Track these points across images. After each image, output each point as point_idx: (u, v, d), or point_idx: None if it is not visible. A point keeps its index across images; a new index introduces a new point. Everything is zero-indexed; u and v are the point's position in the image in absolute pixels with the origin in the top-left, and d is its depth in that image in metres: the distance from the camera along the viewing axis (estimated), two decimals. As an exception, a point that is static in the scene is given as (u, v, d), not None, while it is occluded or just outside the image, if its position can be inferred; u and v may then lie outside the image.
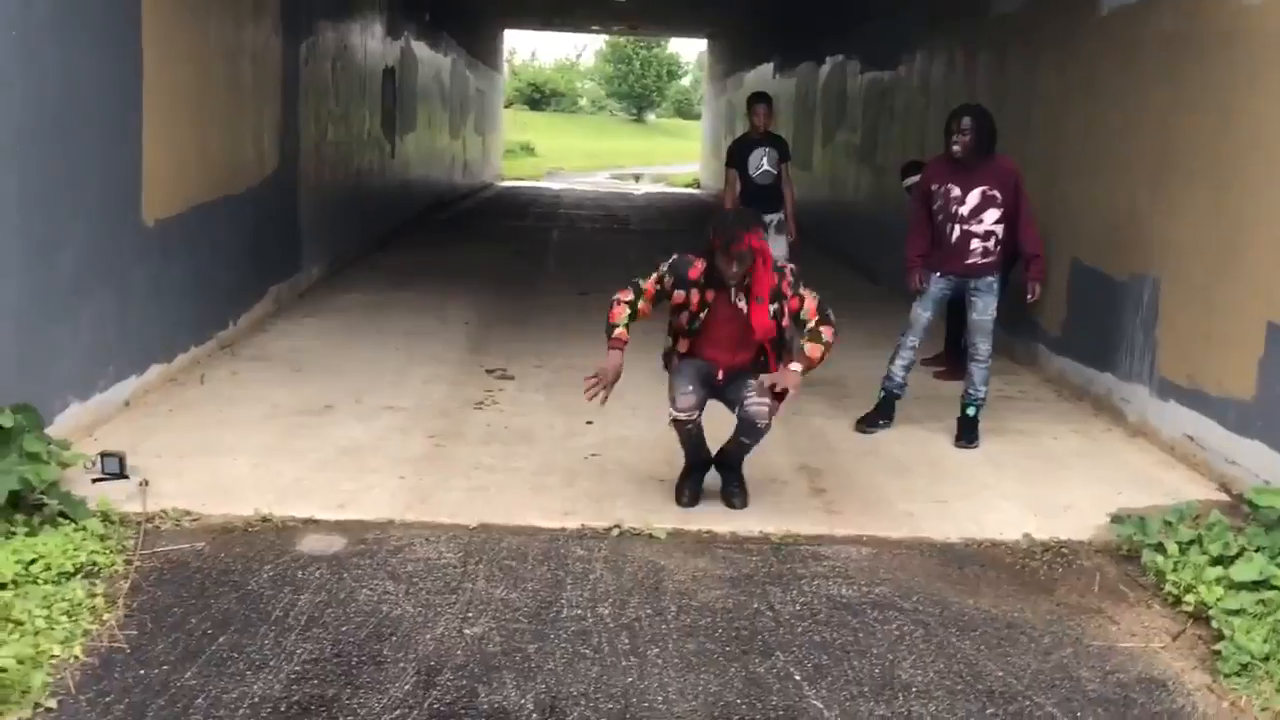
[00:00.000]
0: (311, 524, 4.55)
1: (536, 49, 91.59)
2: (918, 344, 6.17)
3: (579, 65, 71.58)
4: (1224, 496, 5.23)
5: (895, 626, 3.89)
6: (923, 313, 6.09)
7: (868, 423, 6.22)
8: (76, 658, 3.40)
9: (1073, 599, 4.20)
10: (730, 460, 5.01)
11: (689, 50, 64.93)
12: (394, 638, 3.62)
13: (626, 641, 3.67)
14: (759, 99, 8.41)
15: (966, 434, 6.02)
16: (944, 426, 6.33)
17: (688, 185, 33.14)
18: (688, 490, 4.99)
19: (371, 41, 12.70)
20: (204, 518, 4.56)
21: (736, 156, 8.31)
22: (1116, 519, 4.81)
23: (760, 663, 3.58)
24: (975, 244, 5.90)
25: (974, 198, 5.87)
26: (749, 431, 4.80)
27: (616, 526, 4.63)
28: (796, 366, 4.73)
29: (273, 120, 8.64)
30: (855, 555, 4.50)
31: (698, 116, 43.03)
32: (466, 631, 3.68)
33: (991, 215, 5.87)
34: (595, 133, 57.99)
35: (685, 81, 68.66)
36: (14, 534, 4.09)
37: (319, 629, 3.66)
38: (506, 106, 41.55)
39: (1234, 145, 5.44)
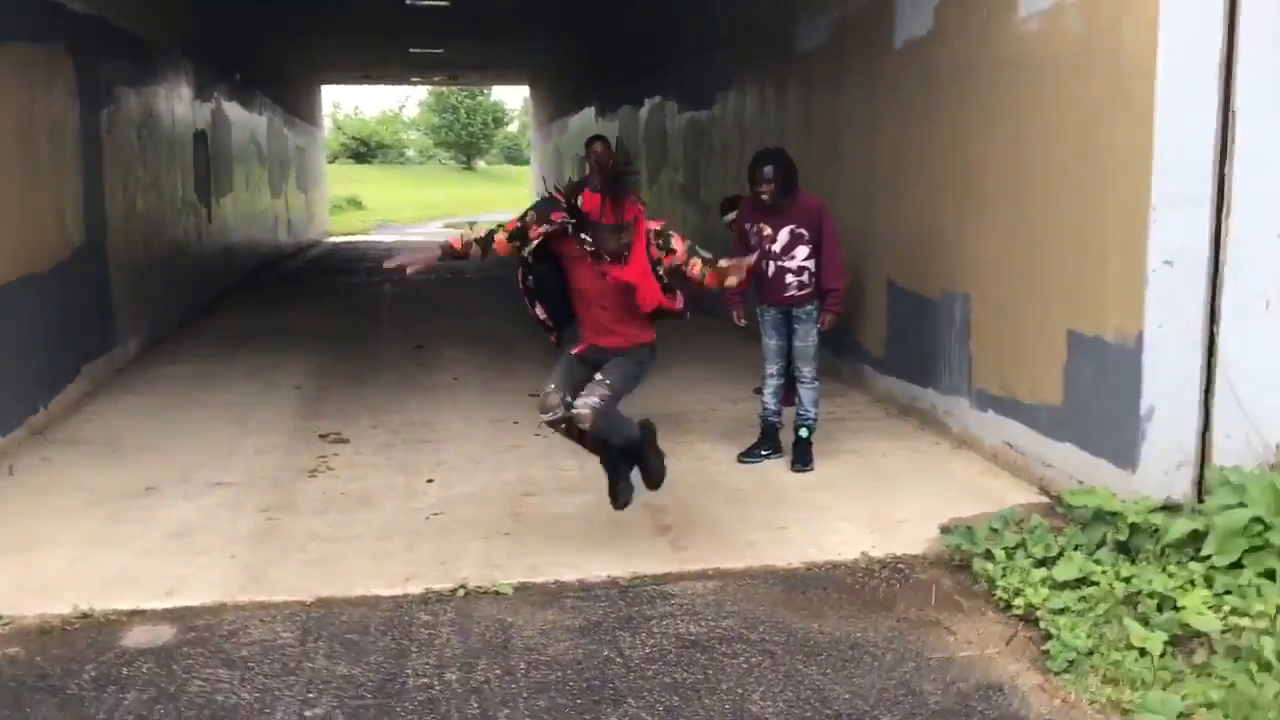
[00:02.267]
0: (138, 615, 4.31)
1: (359, 102, 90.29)
2: (777, 370, 6.32)
3: (403, 116, 70.97)
4: (1044, 499, 5.50)
5: (743, 659, 3.93)
6: (769, 341, 6.28)
7: (750, 454, 6.35)
8: (-126, 791, 3.13)
9: (912, 613, 4.33)
10: (616, 457, 4.94)
11: (514, 97, 65.20)
12: (230, 729, 3.46)
13: (476, 706, 3.59)
14: (596, 138, 8.53)
15: (801, 457, 6.17)
16: (781, 453, 6.46)
17: (521, 230, 33.01)
18: (618, 492, 4.93)
19: (179, 105, 12.30)
20: (16, 620, 4.26)
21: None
22: (946, 530, 5.00)
23: (612, 712, 3.56)
24: (790, 278, 6.10)
25: (784, 236, 6.08)
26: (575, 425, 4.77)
27: (462, 587, 4.55)
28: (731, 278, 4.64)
29: (74, 193, 8.25)
30: (702, 590, 4.54)
31: (527, 161, 43.16)
32: (307, 714, 3.54)
33: (802, 251, 6.08)
34: (425, 182, 57.49)
35: (512, 128, 68.83)
36: None
37: (148, 728, 3.47)
38: (331, 161, 40.87)
39: (1025, 165, 5.76)
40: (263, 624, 4.23)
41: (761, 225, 6.11)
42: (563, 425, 4.85)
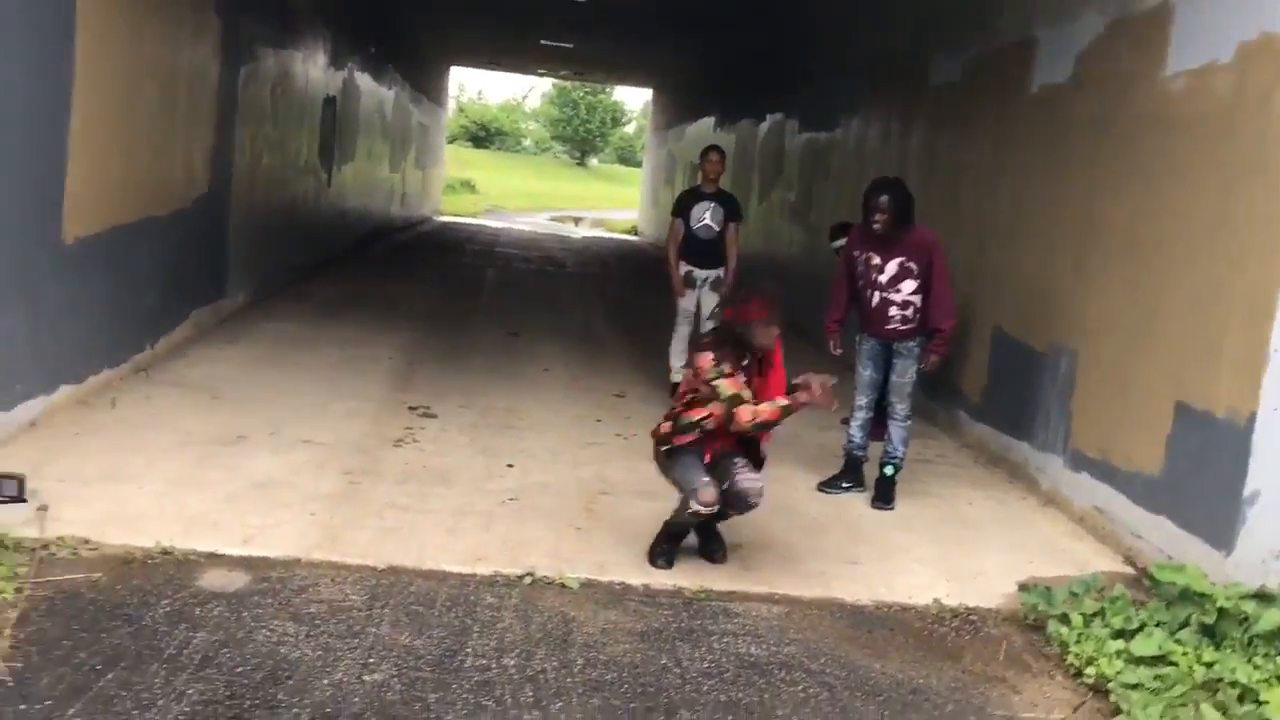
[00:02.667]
0: (214, 559, 4.43)
1: (484, 88, 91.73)
2: (867, 402, 6.24)
3: (525, 106, 71.87)
4: (1129, 570, 5.33)
5: (801, 688, 3.88)
6: (864, 371, 6.19)
7: (830, 484, 6.29)
8: (-47, 691, 3.25)
9: (978, 667, 4.23)
10: (711, 524, 4.98)
11: (634, 98, 65.53)
12: (290, 681, 3.52)
13: (530, 694, 3.61)
14: (712, 148, 8.52)
15: (883, 495, 6.08)
16: (863, 488, 6.38)
17: (626, 231, 33.33)
18: (665, 555, 4.87)
19: (313, 70, 12.62)
20: (103, 547, 4.41)
21: (682, 206, 8.38)
22: (1024, 588, 4.87)
23: (664, 720, 3.54)
24: (894, 311, 6.01)
25: (892, 267, 5.98)
26: (739, 505, 4.78)
27: (529, 574, 4.58)
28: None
29: (205, 143, 8.52)
30: (766, 614, 4.49)
31: (640, 164, 43.42)
32: (366, 678, 3.59)
33: (909, 285, 5.98)
34: (537, 173, 58.16)
35: (629, 129, 69.24)
36: (-103, 557, 3.92)
37: (212, 669, 3.54)
38: (450, 142, 41.54)
39: (1153, 226, 5.60)
40: (333, 584, 4.30)
41: (871, 254, 6.03)
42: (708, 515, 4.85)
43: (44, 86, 5.64)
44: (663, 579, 4.70)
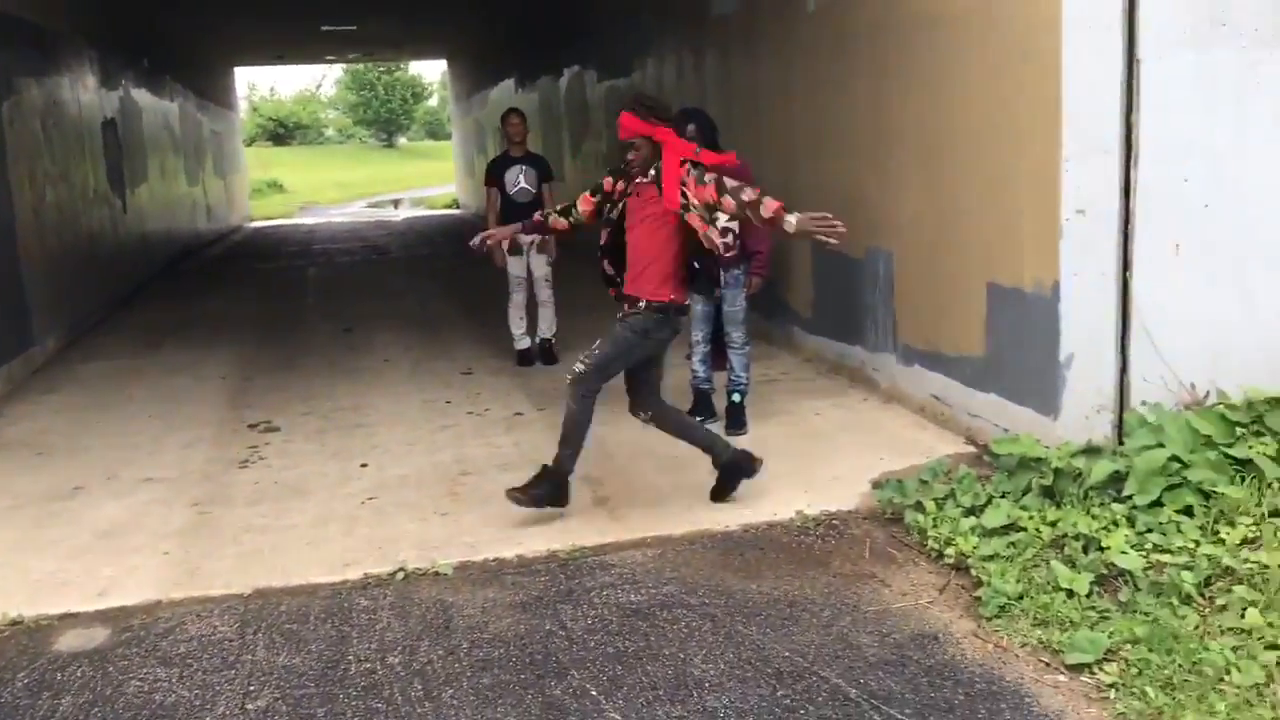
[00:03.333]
0: (69, 619, 4.24)
1: (275, 83, 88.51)
2: (703, 336, 6.34)
3: (321, 96, 69.71)
4: (971, 449, 5.61)
5: (684, 624, 3.97)
6: (695, 306, 6.24)
7: None
8: None
9: (846, 568, 4.41)
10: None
11: (431, 71, 64.33)
12: (171, 727, 3.43)
13: (420, 688, 3.60)
14: (511, 111, 8.48)
15: (734, 420, 6.23)
16: (716, 419, 6.52)
17: (447, 206, 32.84)
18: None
19: (85, 94, 11.96)
20: (-56, 632, 4.18)
21: (494, 174, 8.33)
22: (878, 485, 5.09)
23: (556, 685, 3.58)
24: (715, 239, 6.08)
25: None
26: None
27: (401, 569, 4.54)
28: (790, 218, 4.72)
29: (-21, 189, 8.00)
30: (641, 559, 4.58)
31: (449, 137, 42.71)
32: (249, 707, 3.52)
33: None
34: (346, 162, 56.62)
35: (432, 102, 67.99)
36: None
37: (86, 732, 3.42)
38: (249, 145, 40.05)
39: (943, 122, 5.83)
40: (200, 619, 4.18)
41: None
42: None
43: None
44: (536, 545, 4.73)
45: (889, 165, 6.44)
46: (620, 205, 5.03)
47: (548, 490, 4.95)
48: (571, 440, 4.94)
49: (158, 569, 4.69)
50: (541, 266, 8.32)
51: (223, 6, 18.33)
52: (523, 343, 8.44)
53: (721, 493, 5.14)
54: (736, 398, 6.26)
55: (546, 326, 8.40)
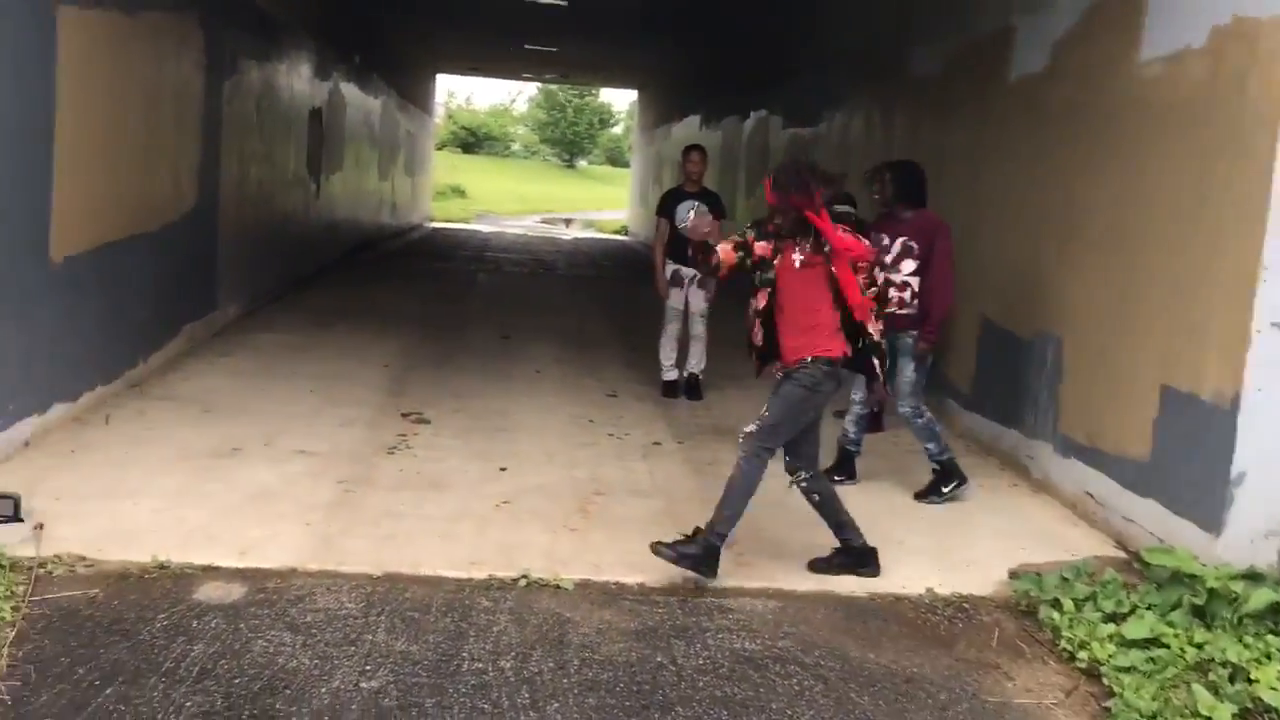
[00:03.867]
0: (211, 571, 4.45)
1: (473, 93, 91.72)
2: (862, 398, 6.25)
3: (513, 110, 71.85)
4: (1120, 554, 5.37)
5: (796, 681, 3.91)
6: None
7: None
8: (-47, 711, 3.28)
9: (971, 654, 4.27)
10: None
11: (621, 99, 65.57)
12: (288, 691, 3.55)
13: (526, 696, 3.64)
14: (693, 148, 8.56)
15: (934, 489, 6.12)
16: (855, 481, 6.42)
17: (616, 232, 33.37)
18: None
19: (298, 82, 12.64)
20: (100, 564, 4.44)
21: (667, 206, 8.39)
22: (1015, 575, 4.91)
23: (659, 718, 3.57)
24: (892, 293, 5.97)
25: (896, 247, 6.05)
26: None
27: (524, 577, 4.61)
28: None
29: (192, 158, 8.54)
30: (760, 608, 4.53)
31: (628, 164, 43.43)
32: (363, 685, 3.62)
33: (908, 265, 6.03)
34: (527, 177, 58.15)
35: (617, 130, 69.24)
36: (-105, 579, 3.95)
37: (210, 681, 3.57)
38: (439, 149, 41.56)
39: (1133, 211, 5.64)
40: (329, 592, 4.33)
41: (882, 234, 6.10)
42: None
43: (26, 108, 5.66)
44: (657, 576, 4.73)
45: (1071, 248, 6.26)
46: (772, 269, 4.90)
47: (700, 555, 4.64)
48: (733, 503, 4.71)
49: (298, 538, 4.88)
50: (700, 301, 8.37)
51: (436, 14, 19.16)
52: (670, 374, 8.49)
53: (825, 567, 4.93)
54: (933, 470, 6.11)
55: (696, 361, 8.43)
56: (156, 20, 7.51)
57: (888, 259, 6.02)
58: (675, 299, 8.42)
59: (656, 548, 4.66)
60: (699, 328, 8.36)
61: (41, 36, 5.77)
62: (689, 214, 8.28)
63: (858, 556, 4.94)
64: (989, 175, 7.46)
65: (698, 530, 4.82)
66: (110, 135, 6.80)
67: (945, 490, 6.08)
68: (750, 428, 4.81)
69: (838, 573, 4.90)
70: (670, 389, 8.45)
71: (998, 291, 7.14)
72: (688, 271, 8.31)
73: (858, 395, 6.27)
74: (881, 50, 9.93)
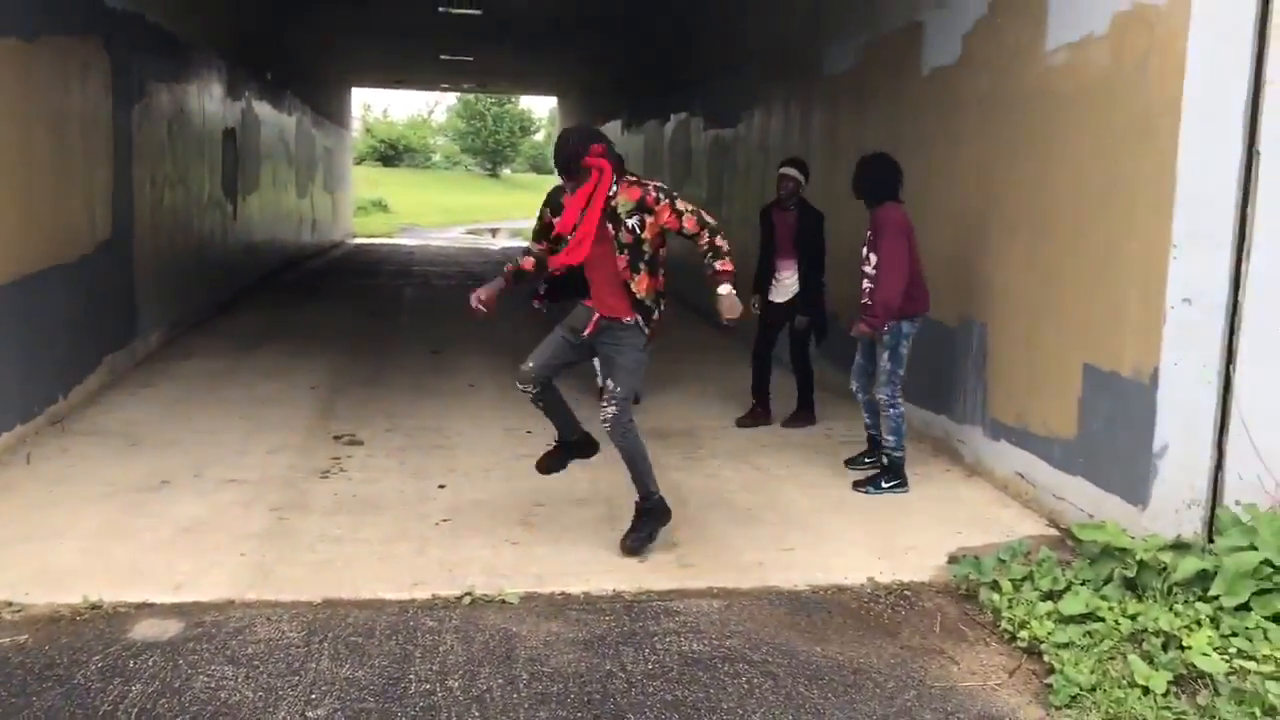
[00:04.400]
0: (146, 608, 4.35)
1: (389, 106, 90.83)
2: (858, 386, 6.48)
3: (431, 121, 71.33)
4: (1054, 532, 5.48)
5: (745, 680, 3.93)
6: (856, 357, 6.46)
7: (856, 461, 6.63)
8: (-121, 772, 3.16)
9: (915, 641, 4.33)
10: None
11: (542, 106, 65.46)
12: (232, 726, 3.49)
13: (477, 714, 3.61)
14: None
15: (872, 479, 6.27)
16: (791, 474, 6.48)
17: (543, 239, 33.15)
18: (545, 462, 5.45)
19: (210, 103, 12.42)
20: (28, 608, 4.31)
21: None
22: (954, 559, 4.99)
23: (612, 726, 3.57)
24: (865, 284, 6.17)
25: (868, 243, 6.20)
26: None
27: (468, 594, 4.57)
28: (726, 288, 5.01)
29: (104, 186, 8.35)
30: (707, 609, 4.54)
31: (551, 171, 43.35)
32: (309, 715, 3.57)
33: (873, 259, 6.11)
34: (449, 188, 57.72)
35: (539, 137, 69.09)
36: None
37: (151, 722, 3.50)
38: (358, 163, 41.08)
39: (1049, 197, 5.76)
40: (269, 622, 4.26)
41: (868, 230, 6.24)
42: (531, 400, 5.26)
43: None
44: (603, 584, 4.73)
45: (991, 235, 6.38)
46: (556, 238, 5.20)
47: (652, 523, 5.15)
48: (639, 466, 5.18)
49: (234, 569, 4.79)
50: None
51: (348, 28, 18.95)
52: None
53: (546, 465, 5.46)
54: (885, 460, 6.24)
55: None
56: (59, 45, 7.33)
57: (864, 251, 6.21)
58: None
59: (628, 548, 5.07)
60: None
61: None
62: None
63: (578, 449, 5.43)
64: (909, 167, 7.56)
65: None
66: (17, 165, 6.62)
67: (885, 486, 6.16)
68: (610, 415, 5.02)
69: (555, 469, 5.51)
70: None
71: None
72: None
73: (853, 384, 6.51)
74: (795, 49, 10.03)
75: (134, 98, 9.17)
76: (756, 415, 7.73)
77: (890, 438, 6.16)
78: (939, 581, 4.89)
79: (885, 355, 6.13)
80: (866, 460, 6.54)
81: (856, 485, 6.20)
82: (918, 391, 7.34)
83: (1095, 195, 5.35)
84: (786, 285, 7.63)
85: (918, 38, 7.35)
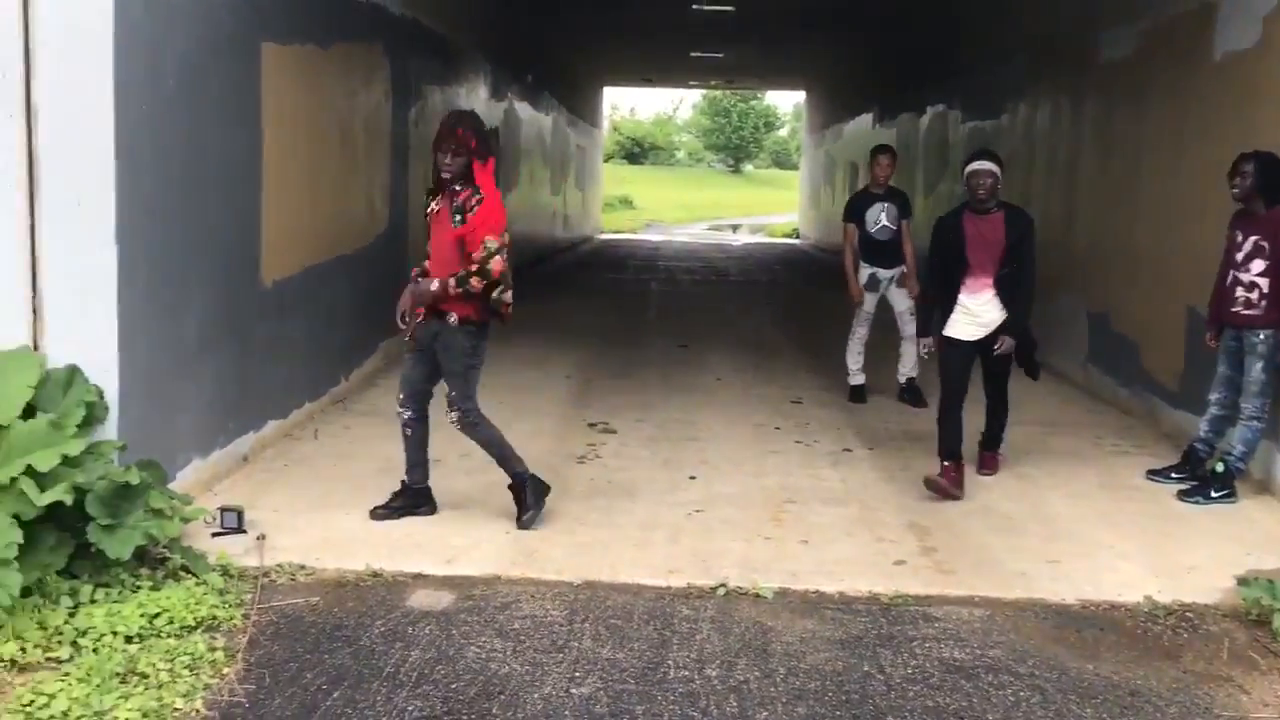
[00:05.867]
0: (421, 579, 4.62)
1: (636, 104, 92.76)
2: (1219, 399, 5.99)
3: (676, 119, 72.35)
4: (1360, 559, 4.99)
5: (1011, 692, 3.77)
6: (1219, 368, 5.97)
7: (1160, 473, 6.20)
8: (198, 711, 3.49)
9: (1199, 666, 4.03)
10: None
11: (786, 101, 65.14)
12: (502, 696, 3.64)
13: (735, 705, 3.63)
14: (882, 150, 8.38)
15: (1200, 489, 5.86)
16: (1056, 482, 6.18)
17: (786, 235, 33.17)
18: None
19: (476, 103, 13.02)
20: (318, 572, 4.66)
21: (855, 210, 8.28)
22: (1244, 581, 4.61)
23: (872, 728, 3.51)
24: (1239, 292, 5.74)
25: (1248, 245, 5.72)
26: None
27: (722, 585, 4.60)
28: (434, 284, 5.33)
29: (383, 182, 8.90)
30: (967, 617, 4.39)
31: (795, 167, 43.09)
32: (574, 691, 3.68)
33: (1257, 265, 5.68)
34: (693, 184, 58.42)
35: (783, 132, 68.89)
36: (139, 588, 4.24)
37: (429, 685, 3.70)
38: (606, 161, 42.18)
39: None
40: (533, 600, 4.42)
41: (1235, 231, 5.81)
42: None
43: (237, 145, 6.01)
44: (858, 585, 4.65)
45: (1291, 234, 5.85)
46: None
47: (535, 494, 5.32)
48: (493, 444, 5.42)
49: (500, 546, 5.01)
50: (904, 300, 8.16)
51: (602, 28, 19.47)
52: (858, 378, 8.34)
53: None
54: (1220, 468, 5.81)
55: (912, 365, 8.15)
56: (348, 51, 7.87)
57: (1239, 256, 5.74)
58: (869, 303, 8.25)
59: (523, 524, 5.22)
60: (910, 328, 8.04)
61: (246, 73, 6.12)
62: (881, 216, 8.11)
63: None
64: (1193, 160, 7.06)
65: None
66: (310, 164, 7.16)
67: (1215, 495, 5.77)
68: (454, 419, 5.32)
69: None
70: (858, 394, 8.31)
71: (1206, 280, 6.71)
72: (885, 273, 8.17)
73: (1213, 396, 5.99)
74: (1066, 37, 9.54)
75: (410, 100, 9.73)
76: (951, 480, 5.86)
77: (1240, 447, 5.76)
78: (1225, 604, 4.53)
79: (1260, 365, 5.68)
80: (1173, 475, 6.04)
81: (1183, 495, 5.84)
82: (1200, 401, 6.84)
83: None
84: (982, 313, 5.93)
85: (1208, 20, 6.83)
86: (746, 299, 15.77)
